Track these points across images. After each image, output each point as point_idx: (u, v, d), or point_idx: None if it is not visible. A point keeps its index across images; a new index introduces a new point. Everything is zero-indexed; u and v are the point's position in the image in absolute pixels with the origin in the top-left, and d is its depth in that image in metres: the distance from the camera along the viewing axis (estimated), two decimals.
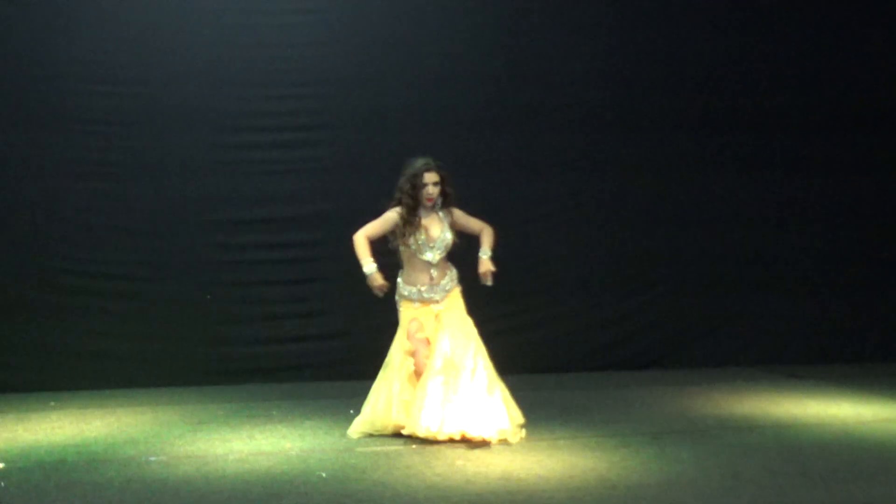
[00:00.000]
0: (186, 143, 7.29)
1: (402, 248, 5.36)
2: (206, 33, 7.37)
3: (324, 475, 4.44)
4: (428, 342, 5.29)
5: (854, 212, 8.44)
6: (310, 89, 7.54)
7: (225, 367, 7.26)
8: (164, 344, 7.18)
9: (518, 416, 5.35)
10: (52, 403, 6.37)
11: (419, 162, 5.34)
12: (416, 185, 5.29)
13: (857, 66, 8.46)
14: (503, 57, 7.85)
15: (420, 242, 5.31)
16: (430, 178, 5.30)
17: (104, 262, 7.15)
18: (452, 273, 5.53)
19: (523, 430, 5.24)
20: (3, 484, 4.31)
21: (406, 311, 5.40)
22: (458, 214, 5.49)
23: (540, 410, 6.05)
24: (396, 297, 5.46)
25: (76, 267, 7.11)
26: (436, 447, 4.99)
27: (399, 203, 5.32)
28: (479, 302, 7.64)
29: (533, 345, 7.80)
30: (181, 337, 7.22)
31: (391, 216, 5.31)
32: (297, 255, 7.43)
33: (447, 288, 5.43)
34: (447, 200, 5.43)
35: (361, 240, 5.29)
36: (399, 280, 5.45)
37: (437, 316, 5.36)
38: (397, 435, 5.23)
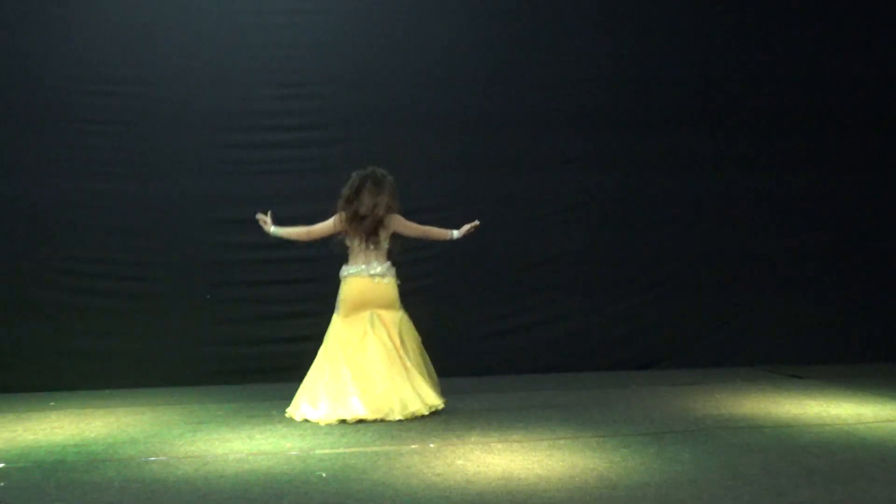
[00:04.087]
0: (186, 143, 7.30)
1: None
2: (207, 33, 7.38)
3: (324, 475, 4.43)
4: None
5: (854, 212, 8.45)
6: (310, 89, 7.55)
7: (225, 367, 7.26)
8: (164, 344, 7.18)
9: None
10: (52, 403, 6.37)
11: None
12: None
13: (857, 66, 8.46)
14: (503, 57, 7.85)
15: None
16: None
17: (104, 262, 7.16)
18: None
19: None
20: (3, 484, 4.31)
21: None
22: None
23: (540, 410, 6.05)
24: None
25: (76, 267, 7.12)
26: (435, 447, 4.99)
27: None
28: (480, 302, 7.71)
29: (533, 345, 7.81)
30: (181, 337, 7.22)
31: None
32: (297, 255, 7.41)
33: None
34: None
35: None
36: (391, 268, 6.05)
37: None
38: (397, 433, 5.26)
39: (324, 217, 7.42)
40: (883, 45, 8.54)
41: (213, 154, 7.34)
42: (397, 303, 6.02)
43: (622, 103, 8.01)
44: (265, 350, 7.34)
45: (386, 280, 5.96)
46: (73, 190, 7.12)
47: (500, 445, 5.03)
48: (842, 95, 8.41)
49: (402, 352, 5.87)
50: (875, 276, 8.47)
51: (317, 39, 7.56)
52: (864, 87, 8.47)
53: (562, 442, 5.13)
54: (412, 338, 6.02)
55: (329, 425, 5.59)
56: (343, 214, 5.96)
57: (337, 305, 6.02)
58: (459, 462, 4.67)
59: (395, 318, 5.98)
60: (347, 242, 6.01)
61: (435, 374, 6.09)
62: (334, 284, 7.32)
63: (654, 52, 8.12)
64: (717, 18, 8.28)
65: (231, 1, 7.46)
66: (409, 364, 5.85)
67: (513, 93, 7.83)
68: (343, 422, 5.62)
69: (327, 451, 4.96)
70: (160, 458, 4.81)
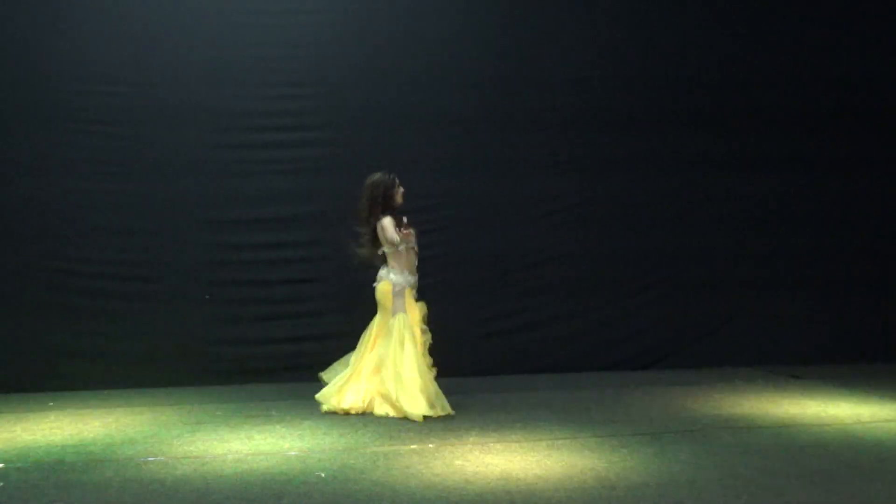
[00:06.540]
0: (186, 143, 7.29)
1: (388, 247, 6.03)
2: (206, 33, 7.38)
3: (323, 475, 4.44)
4: None
5: (854, 211, 8.45)
6: (310, 89, 7.54)
7: (224, 367, 7.26)
8: (164, 344, 7.18)
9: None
10: (52, 403, 6.38)
11: (383, 175, 6.08)
12: (394, 193, 6.08)
13: (857, 66, 8.47)
14: (503, 57, 7.85)
15: (410, 236, 5.98)
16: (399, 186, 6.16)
17: (104, 262, 7.15)
18: None
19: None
20: (2, 484, 4.32)
21: (409, 298, 6.10)
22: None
23: (539, 410, 6.06)
24: (395, 287, 6.00)
25: (76, 267, 7.11)
26: (434, 447, 5.00)
27: (382, 210, 6.00)
28: (480, 302, 7.71)
29: (533, 345, 7.81)
30: (181, 337, 7.22)
31: (389, 220, 6.00)
32: (296, 255, 7.43)
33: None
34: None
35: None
36: (392, 274, 6.03)
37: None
38: (397, 434, 5.25)
39: (324, 214, 7.49)
40: (883, 46, 8.54)
41: (212, 154, 7.34)
42: (387, 304, 6.03)
43: (622, 104, 8.00)
44: (265, 350, 7.34)
45: (380, 284, 6.09)
46: (73, 190, 7.11)
47: (498, 445, 5.03)
48: (842, 95, 8.41)
49: (375, 356, 6.04)
50: (875, 276, 8.47)
51: (316, 39, 7.56)
52: (864, 87, 8.46)
53: (560, 442, 5.13)
54: (399, 341, 5.90)
55: (330, 426, 5.60)
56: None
57: None
58: (458, 462, 4.67)
59: (384, 321, 6.08)
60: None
61: (421, 384, 5.83)
62: (334, 284, 7.37)
63: (652, 53, 8.12)
64: (716, 18, 8.28)
65: (230, 1, 7.45)
66: (372, 369, 6.04)
67: (511, 94, 7.83)
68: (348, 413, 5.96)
69: (327, 451, 4.96)
70: (159, 458, 4.82)
